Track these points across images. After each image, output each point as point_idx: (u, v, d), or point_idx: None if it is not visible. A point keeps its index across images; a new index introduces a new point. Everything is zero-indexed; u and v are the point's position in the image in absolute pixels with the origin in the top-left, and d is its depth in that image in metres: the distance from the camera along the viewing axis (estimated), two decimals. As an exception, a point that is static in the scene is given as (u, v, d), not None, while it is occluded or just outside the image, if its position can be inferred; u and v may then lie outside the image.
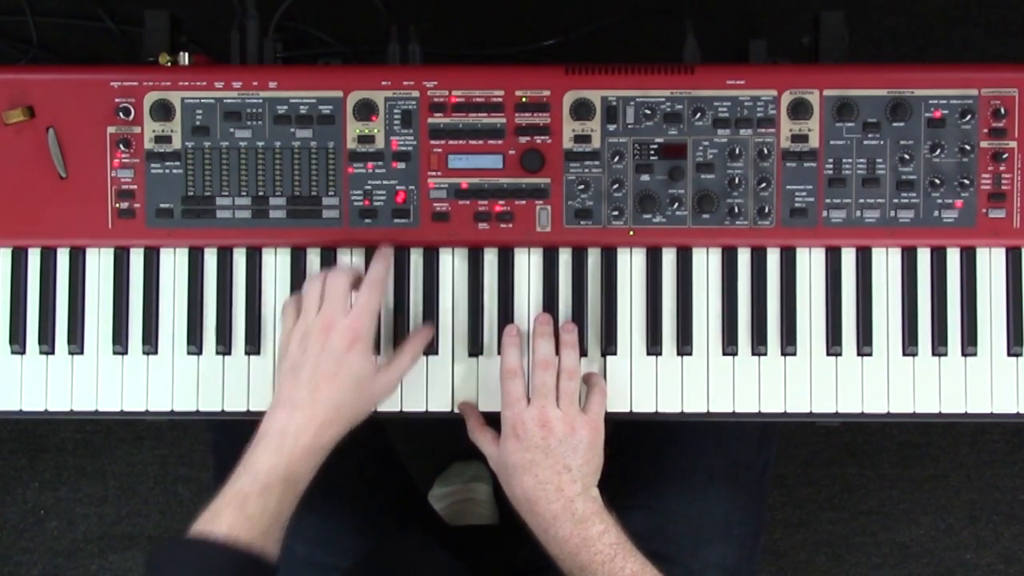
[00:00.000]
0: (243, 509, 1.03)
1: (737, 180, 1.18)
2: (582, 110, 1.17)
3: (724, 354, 1.19)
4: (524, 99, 1.18)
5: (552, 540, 1.09)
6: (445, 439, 1.88)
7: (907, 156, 1.17)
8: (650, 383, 1.19)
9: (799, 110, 1.17)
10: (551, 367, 1.13)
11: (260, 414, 1.18)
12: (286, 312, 1.15)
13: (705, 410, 1.19)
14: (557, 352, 1.15)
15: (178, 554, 1.03)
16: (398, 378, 1.15)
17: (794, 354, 1.19)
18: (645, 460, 1.26)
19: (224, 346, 1.20)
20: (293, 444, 1.06)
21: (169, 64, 1.22)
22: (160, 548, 1.10)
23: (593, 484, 1.11)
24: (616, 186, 1.18)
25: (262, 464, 1.06)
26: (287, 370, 1.11)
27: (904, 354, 1.19)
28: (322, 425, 1.08)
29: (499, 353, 1.18)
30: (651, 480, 1.25)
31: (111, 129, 1.19)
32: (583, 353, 1.18)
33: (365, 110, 1.18)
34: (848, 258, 1.19)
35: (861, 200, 1.18)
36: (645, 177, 1.18)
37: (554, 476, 1.09)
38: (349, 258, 1.20)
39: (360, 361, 1.10)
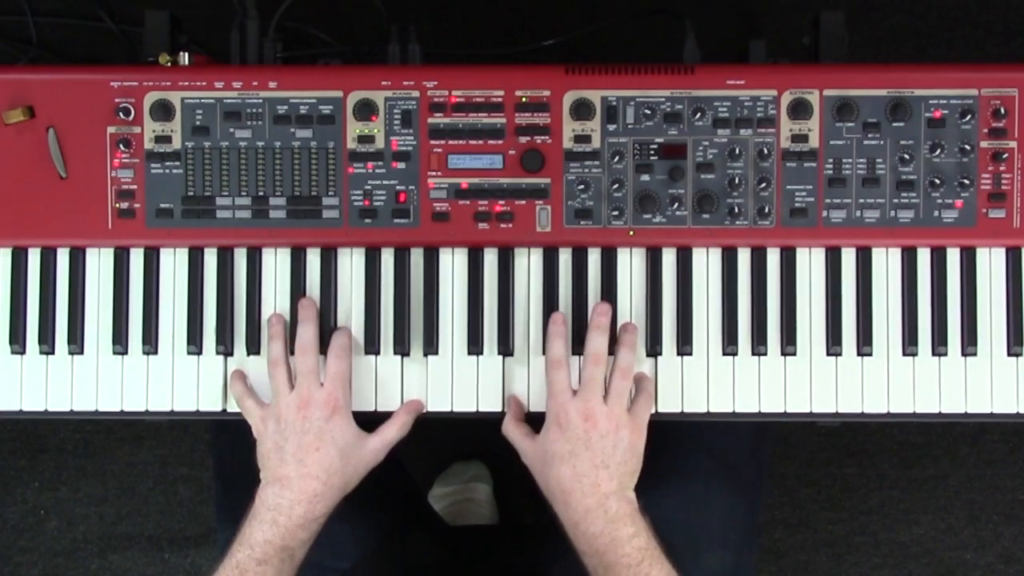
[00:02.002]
0: None
1: (737, 180, 1.18)
2: (582, 110, 1.17)
3: (724, 354, 1.19)
4: (524, 99, 1.18)
5: (582, 535, 1.09)
6: (445, 439, 1.88)
7: (907, 156, 1.17)
8: (651, 383, 1.19)
9: (799, 110, 1.17)
10: (602, 362, 1.13)
11: (260, 414, 1.19)
12: (244, 404, 1.16)
13: (705, 410, 1.19)
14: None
15: None
16: (384, 447, 1.16)
17: (794, 354, 1.19)
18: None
19: (224, 346, 1.20)
20: (288, 517, 1.09)
21: (169, 64, 1.22)
22: None
23: (630, 486, 1.11)
24: (616, 186, 1.18)
25: (258, 538, 1.09)
26: (270, 451, 1.13)
27: (904, 354, 1.19)
28: (314, 497, 1.10)
29: (499, 353, 1.19)
30: (647, 486, 1.25)
31: (111, 129, 1.19)
32: (583, 353, 1.18)
33: (365, 110, 1.18)
34: (848, 258, 1.19)
35: (861, 200, 1.18)
36: (645, 177, 1.18)
37: (592, 470, 1.09)
38: (349, 258, 1.20)
39: (342, 430, 1.13)
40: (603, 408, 1.10)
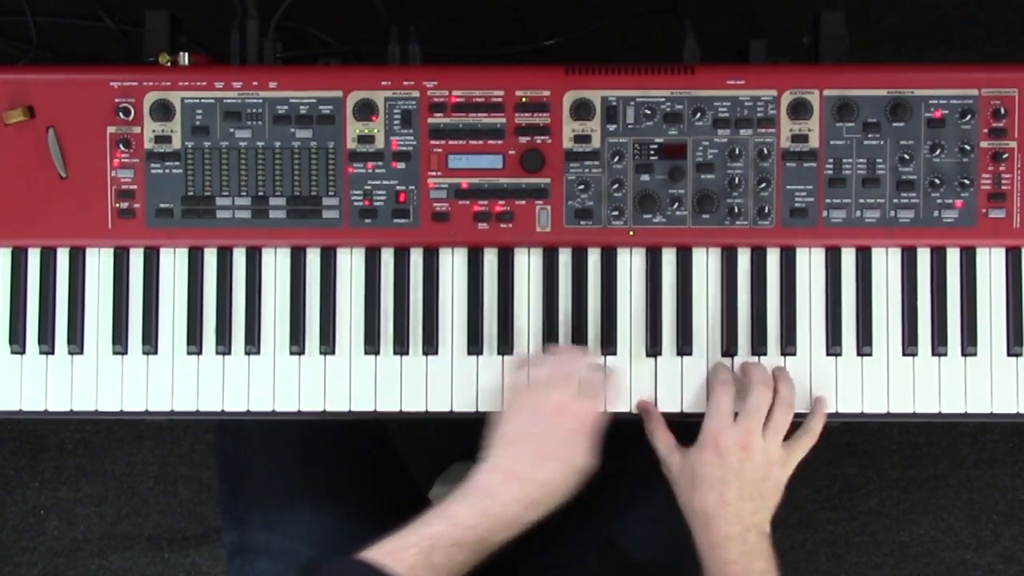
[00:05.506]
0: (429, 555, 1.00)
1: (737, 180, 1.18)
2: (582, 110, 1.17)
3: (724, 354, 1.19)
4: (524, 99, 1.18)
5: (716, 559, 1.09)
6: (445, 439, 1.87)
7: (907, 156, 1.17)
8: (649, 383, 1.19)
9: (799, 110, 1.17)
10: (770, 389, 1.13)
11: (260, 414, 1.19)
12: (515, 368, 1.15)
13: (704, 410, 1.19)
14: None
15: (356, 574, 1.00)
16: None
17: (794, 354, 1.19)
18: (642, 466, 1.26)
19: (224, 346, 1.20)
20: (500, 512, 1.04)
21: (169, 64, 1.22)
22: (331, 565, 1.05)
23: (768, 519, 1.11)
24: (616, 186, 1.18)
25: (462, 519, 1.04)
26: (509, 435, 1.09)
27: (904, 354, 1.19)
28: (531, 504, 1.06)
29: (499, 353, 1.19)
30: (651, 487, 1.25)
31: (111, 129, 1.19)
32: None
33: (365, 110, 1.18)
34: (848, 258, 1.19)
35: (861, 200, 1.18)
36: (645, 177, 1.18)
37: (738, 501, 1.09)
38: (349, 258, 1.20)
39: (583, 450, 1.09)
40: (760, 441, 1.10)
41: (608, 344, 1.19)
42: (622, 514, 1.14)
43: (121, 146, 1.18)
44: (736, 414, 1.12)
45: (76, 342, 1.20)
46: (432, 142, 1.18)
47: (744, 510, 1.09)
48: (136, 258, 1.21)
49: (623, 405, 1.18)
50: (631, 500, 1.09)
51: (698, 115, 1.17)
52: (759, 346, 1.18)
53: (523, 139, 1.18)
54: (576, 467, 1.08)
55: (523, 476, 1.06)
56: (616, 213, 1.18)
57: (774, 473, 1.11)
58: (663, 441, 1.15)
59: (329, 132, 1.18)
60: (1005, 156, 1.17)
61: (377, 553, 1.00)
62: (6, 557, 1.90)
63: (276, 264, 1.20)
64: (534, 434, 1.08)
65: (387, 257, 1.20)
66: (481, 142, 1.18)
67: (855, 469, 1.88)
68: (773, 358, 1.19)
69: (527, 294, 1.20)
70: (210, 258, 1.21)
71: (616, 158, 1.18)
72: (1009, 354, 1.19)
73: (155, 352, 1.20)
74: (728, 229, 1.18)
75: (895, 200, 1.18)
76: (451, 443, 1.89)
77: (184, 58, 1.23)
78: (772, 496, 1.12)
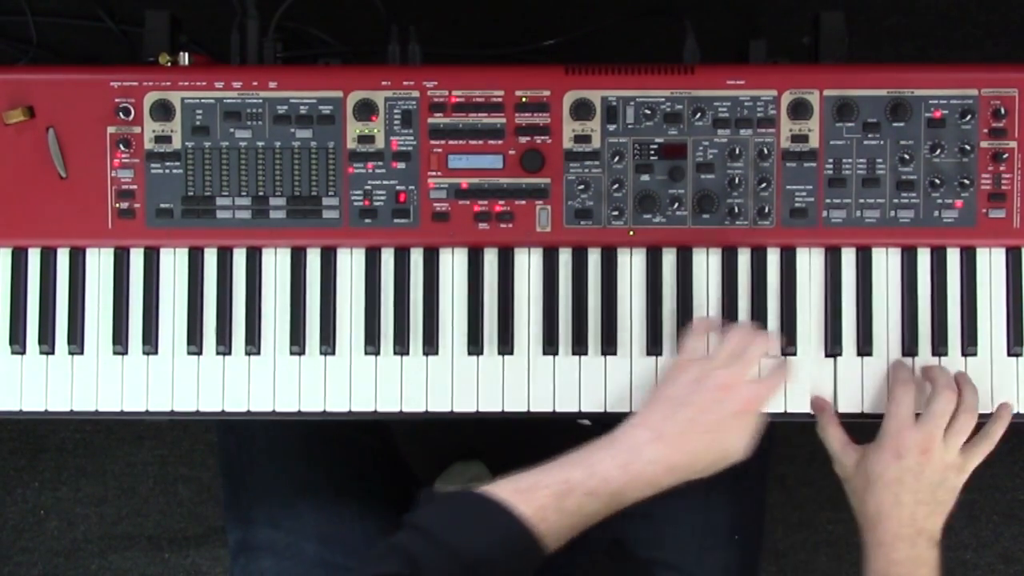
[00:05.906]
0: (562, 499, 0.98)
1: (737, 180, 1.18)
2: (582, 110, 1.17)
3: (724, 354, 1.19)
4: (524, 99, 1.18)
5: (882, 557, 1.10)
6: (445, 439, 1.88)
7: (907, 156, 1.17)
8: (650, 383, 1.19)
9: (799, 110, 1.17)
10: (955, 394, 1.12)
11: (260, 414, 1.19)
12: (695, 333, 1.13)
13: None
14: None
15: (481, 510, 0.97)
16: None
17: (794, 354, 1.19)
18: None
19: (224, 346, 1.20)
20: (640, 470, 1.01)
21: (169, 64, 1.22)
22: (452, 496, 1.02)
23: (940, 525, 1.11)
24: (616, 186, 1.18)
25: (602, 469, 1.01)
26: (668, 397, 1.06)
27: (904, 354, 1.19)
28: (672, 469, 1.03)
29: (499, 353, 1.19)
30: None
31: (111, 129, 1.19)
32: (583, 352, 1.18)
33: (365, 110, 1.18)
34: (848, 258, 1.19)
35: (861, 200, 1.18)
36: (645, 177, 1.18)
37: (913, 504, 1.09)
38: (349, 258, 1.20)
39: (738, 435, 1.05)
40: (941, 446, 1.10)
41: (608, 344, 1.18)
42: (629, 514, 1.14)
43: (121, 146, 1.18)
44: (917, 415, 1.12)
45: (76, 342, 1.20)
46: (432, 142, 1.18)
47: (918, 513, 1.09)
48: (136, 258, 1.21)
49: (623, 406, 1.18)
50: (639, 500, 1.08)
51: (698, 115, 1.17)
52: (759, 346, 1.18)
53: (523, 139, 1.18)
54: (726, 449, 1.05)
55: (670, 440, 1.03)
56: (616, 213, 1.18)
57: (950, 478, 1.11)
58: (836, 438, 1.15)
59: (329, 132, 1.18)
60: (1005, 156, 1.17)
61: (504, 490, 0.97)
62: (6, 557, 1.90)
63: (276, 264, 1.20)
64: (693, 402, 1.05)
65: (387, 257, 1.20)
66: (481, 142, 1.18)
67: (855, 469, 1.88)
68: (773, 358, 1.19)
69: (527, 294, 1.20)
70: (210, 258, 1.21)
71: (616, 158, 1.18)
72: (1009, 354, 1.19)
73: (155, 352, 1.20)
74: (728, 229, 1.18)
75: (895, 200, 1.18)
76: (451, 443, 1.89)
77: (184, 58, 1.23)
78: (946, 501, 1.11)
